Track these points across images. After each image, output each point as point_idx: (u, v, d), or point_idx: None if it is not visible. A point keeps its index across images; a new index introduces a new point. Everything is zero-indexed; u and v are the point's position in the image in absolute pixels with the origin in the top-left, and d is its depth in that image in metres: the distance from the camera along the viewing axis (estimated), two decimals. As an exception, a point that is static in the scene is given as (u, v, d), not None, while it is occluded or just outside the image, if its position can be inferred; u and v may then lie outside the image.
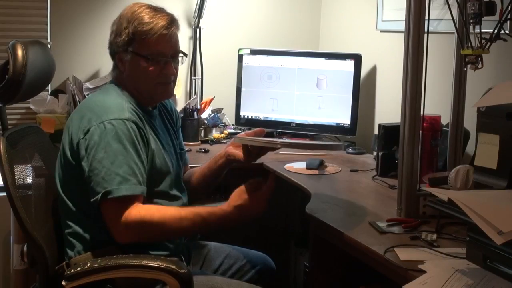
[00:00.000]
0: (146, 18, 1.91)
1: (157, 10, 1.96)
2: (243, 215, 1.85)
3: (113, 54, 1.98)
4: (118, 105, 1.87)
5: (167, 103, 2.17)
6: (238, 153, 2.08)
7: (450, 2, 1.91)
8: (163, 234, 1.84)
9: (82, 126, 1.83)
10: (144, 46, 1.91)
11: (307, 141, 2.16)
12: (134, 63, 1.93)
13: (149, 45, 1.91)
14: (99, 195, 1.74)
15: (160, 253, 1.87)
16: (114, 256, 1.76)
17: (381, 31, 3.02)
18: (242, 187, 1.87)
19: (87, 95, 2.94)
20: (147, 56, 1.91)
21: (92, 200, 1.76)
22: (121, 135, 1.79)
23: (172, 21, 1.95)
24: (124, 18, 1.95)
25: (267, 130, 2.22)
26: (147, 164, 1.86)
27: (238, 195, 1.86)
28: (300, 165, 2.57)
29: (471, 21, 1.81)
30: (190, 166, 2.30)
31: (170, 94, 2.05)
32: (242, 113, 3.19)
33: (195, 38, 3.27)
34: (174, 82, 2.03)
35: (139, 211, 1.76)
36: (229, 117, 3.28)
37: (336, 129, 3.06)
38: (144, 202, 1.81)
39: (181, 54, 2.02)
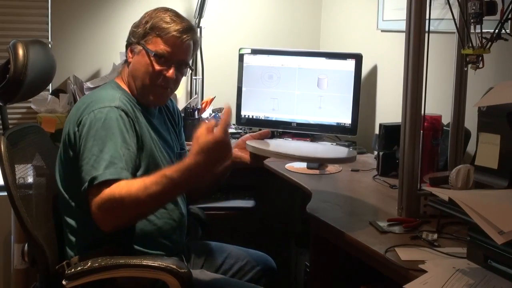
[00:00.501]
0: (168, 19, 1.95)
1: (180, 17, 1.99)
2: (208, 158, 1.67)
3: (127, 45, 2.01)
4: (111, 96, 1.89)
5: (169, 102, 2.17)
6: (245, 156, 2.09)
7: (451, 2, 1.91)
8: (137, 208, 1.71)
9: (75, 118, 1.84)
10: (155, 43, 1.94)
11: (319, 156, 2.15)
12: (140, 56, 1.95)
13: (159, 43, 1.93)
14: (86, 183, 1.72)
15: (160, 253, 1.87)
16: (115, 255, 1.76)
17: (382, 31, 3.02)
18: (196, 133, 1.70)
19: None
20: (154, 53, 1.92)
21: (82, 189, 1.73)
22: (109, 122, 1.79)
23: (189, 29, 1.96)
24: (147, 14, 1.99)
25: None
26: (136, 154, 1.84)
27: (195, 142, 1.69)
28: (301, 165, 2.56)
29: (472, 20, 1.80)
30: None
31: (163, 101, 2.05)
32: (242, 113, 3.19)
33: (196, 38, 3.27)
34: (172, 90, 2.03)
35: (109, 189, 1.70)
36: (229, 117, 3.27)
37: (336, 129, 3.06)
38: None
39: (186, 66, 2.03)
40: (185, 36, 1.94)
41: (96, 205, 1.69)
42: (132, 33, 1.99)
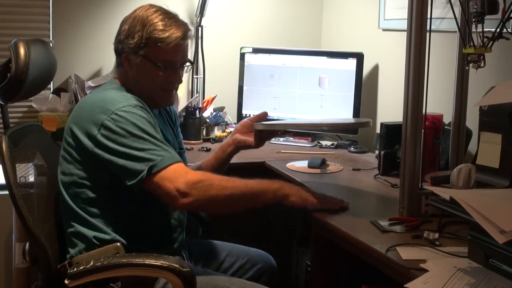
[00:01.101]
0: (161, 25, 1.90)
1: (171, 18, 1.94)
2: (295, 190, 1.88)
3: (120, 52, 1.97)
4: (123, 96, 1.88)
5: None
6: (248, 139, 2.14)
7: (452, 1, 1.91)
8: (222, 191, 1.79)
9: (93, 122, 1.81)
10: (157, 53, 1.90)
11: (332, 122, 2.16)
12: (142, 67, 1.92)
13: (162, 53, 1.90)
14: (144, 172, 1.73)
15: (162, 252, 1.87)
16: (117, 254, 1.76)
17: (383, 30, 3.02)
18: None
19: (89, 93, 2.94)
20: (158, 63, 1.91)
21: (130, 183, 1.75)
22: (135, 121, 1.79)
23: (186, 32, 1.95)
24: (137, 20, 1.92)
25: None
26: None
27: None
28: (302, 164, 2.57)
29: (473, 19, 1.80)
30: (189, 164, 2.30)
31: (171, 102, 2.06)
32: (244, 112, 3.19)
33: (197, 37, 3.27)
34: (176, 89, 2.04)
35: (196, 173, 1.82)
36: (231, 116, 3.28)
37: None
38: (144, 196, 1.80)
39: (187, 63, 2.03)
40: (186, 40, 1.95)
41: (183, 183, 1.74)
42: (124, 43, 1.93)
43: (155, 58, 1.91)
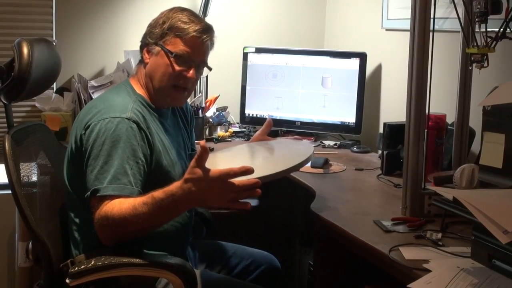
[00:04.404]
0: (185, 19, 1.94)
1: (197, 17, 1.99)
2: (197, 189, 1.59)
3: (143, 46, 1.99)
4: (123, 105, 1.86)
5: None
6: None
7: (455, 1, 1.91)
8: (129, 227, 1.68)
9: (84, 121, 1.82)
10: (174, 43, 1.92)
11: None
12: (159, 57, 1.94)
13: (178, 44, 1.92)
14: (89, 193, 1.73)
15: (164, 252, 1.87)
16: (119, 254, 1.76)
17: (387, 30, 3.01)
18: (194, 158, 1.60)
19: (92, 93, 2.95)
20: (174, 53, 1.92)
21: (85, 196, 1.75)
22: (118, 134, 1.77)
23: (207, 29, 1.96)
24: (163, 14, 1.98)
25: (271, 129, 2.22)
26: (148, 165, 1.83)
27: (190, 167, 1.61)
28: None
29: (476, 19, 1.80)
30: None
31: (181, 101, 2.05)
32: (247, 112, 3.19)
33: (200, 37, 3.27)
34: (190, 91, 2.02)
35: (107, 206, 1.69)
36: (234, 116, 3.28)
37: (341, 128, 3.06)
38: None
39: (205, 68, 2.03)
40: (205, 36, 1.94)
41: (95, 219, 1.71)
42: (148, 34, 1.97)
43: (172, 48, 1.92)
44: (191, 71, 1.94)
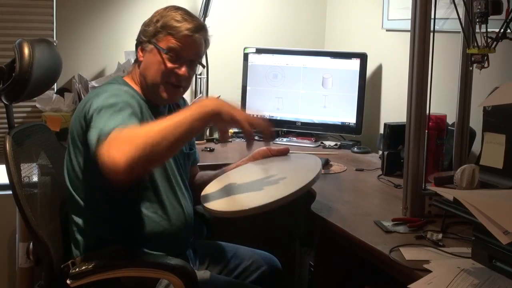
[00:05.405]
0: (179, 17, 1.94)
1: (191, 15, 1.98)
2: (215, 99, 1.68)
3: (137, 44, 2.01)
4: (117, 88, 1.88)
5: (180, 100, 2.16)
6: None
7: (456, 1, 1.91)
8: (137, 138, 1.52)
9: (83, 109, 1.79)
10: (167, 41, 1.93)
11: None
12: (152, 55, 1.94)
13: (171, 41, 1.93)
14: (94, 141, 1.62)
15: (165, 253, 1.87)
16: (119, 255, 1.76)
17: (387, 30, 3.01)
18: None
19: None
20: (165, 50, 1.92)
21: (90, 152, 1.66)
22: (118, 94, 1.78)
23: (200, 28, 1.96)
24: (158, 13, 1.98)
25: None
26: None
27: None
28: (305, 164, 2.56)
29: (477, 20, 1.80)
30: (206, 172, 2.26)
31: (175, 98, 2.03)
32: (247, 112, 3.18)
33: (201, 37, 3.27)
34: (184, 89, 2.01)
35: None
36: (234, 116, 3.27)
37: (341, 128, 3.06)
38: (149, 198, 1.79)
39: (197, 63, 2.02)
40: (197, 35, 1.94)
41: (104, 150, 1.52)
42: (142, 32, 1.99)
43: (164, 45, 1.93)
44: (183, 69, 1.94)
